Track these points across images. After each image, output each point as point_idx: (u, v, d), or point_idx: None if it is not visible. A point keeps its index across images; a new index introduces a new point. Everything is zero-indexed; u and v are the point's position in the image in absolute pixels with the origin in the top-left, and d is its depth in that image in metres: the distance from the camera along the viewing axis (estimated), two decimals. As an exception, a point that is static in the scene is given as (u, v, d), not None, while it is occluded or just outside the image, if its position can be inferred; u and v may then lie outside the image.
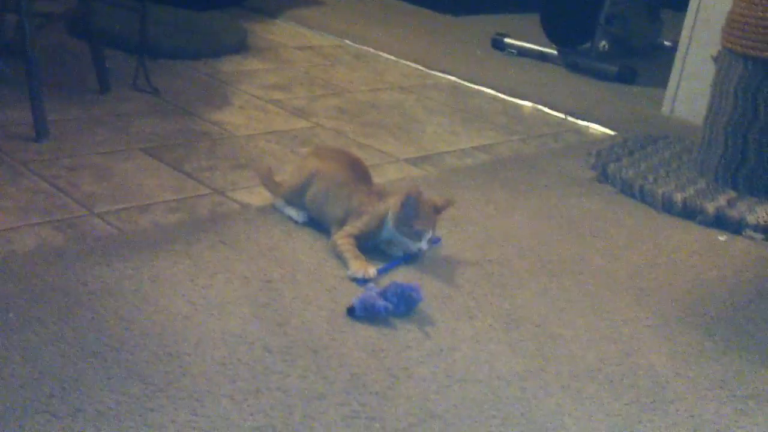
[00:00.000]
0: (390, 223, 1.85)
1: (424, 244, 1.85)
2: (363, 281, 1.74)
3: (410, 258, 1.88)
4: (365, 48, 3.77)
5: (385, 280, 1.75)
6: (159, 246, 1.79)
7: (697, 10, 3.24)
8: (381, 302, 1.62)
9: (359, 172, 1.99)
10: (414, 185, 1.94)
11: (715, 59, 2.62)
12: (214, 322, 1.53)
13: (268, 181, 2.07)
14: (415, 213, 1.82)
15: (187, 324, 1.52)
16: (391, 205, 1.86)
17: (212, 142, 2.46)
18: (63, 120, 2.43)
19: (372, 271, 1.76)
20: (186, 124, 2.56)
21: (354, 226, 1.87)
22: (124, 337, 1.46)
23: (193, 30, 3.41)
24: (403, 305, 1.65)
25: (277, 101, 2.91)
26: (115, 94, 2.71)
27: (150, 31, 2.91)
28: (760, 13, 2.38)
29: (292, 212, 1.99)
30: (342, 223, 1.90)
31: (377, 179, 2.34)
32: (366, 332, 1.58)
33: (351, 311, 1.62)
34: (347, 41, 3.83)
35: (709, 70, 2.66)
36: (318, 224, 1.97)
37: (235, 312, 1.58)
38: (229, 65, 3.22)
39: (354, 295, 1.66)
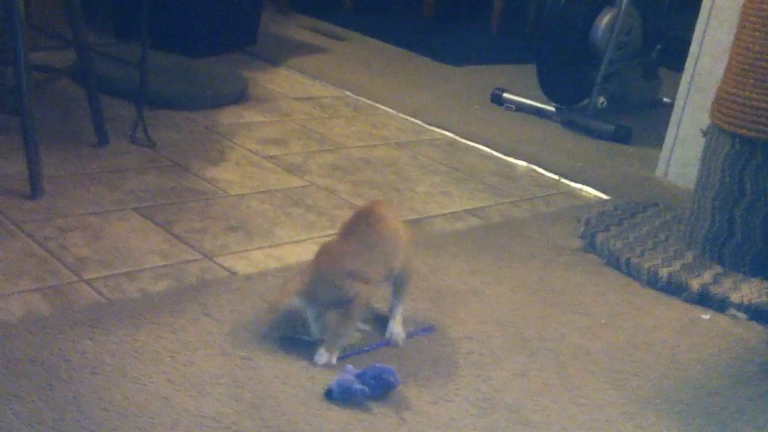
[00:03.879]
0: None
1: None
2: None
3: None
4: (364, 100, 3.81)
5: (364, 362, 1.77)
6: (143, 317, 1.82)
7: (692, 76, 3.28)
8: (358, 385, 1.64)
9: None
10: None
11: (704, 133, 2.66)
12: (191, 402, 1.56)
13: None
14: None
15: (165, 405, 1.54)
16: None
17: (205, 201, 2.49)
18: (58, 176, 2.47)
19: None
20: (180, 181, 2.60)
21: None
22: (102, 419, 1.48)
23: (192, 79, 3.46)
24: (380, 388, 1.67)
25: (273, 157, 2.95)
26: (112, 147, 2.76)
27: (150, 80, 2.96)
28: (748, 93, 2.41)
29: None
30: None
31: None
32: (341, 417, 1.60)
33: (329, 394, 1.64)
34: (347, 92, 3.88)
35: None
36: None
37: (213, 392, 1.60)
38: (227, 117, 3.27)
39: (332, 376, 1.69)
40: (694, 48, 3.23)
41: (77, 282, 1.93)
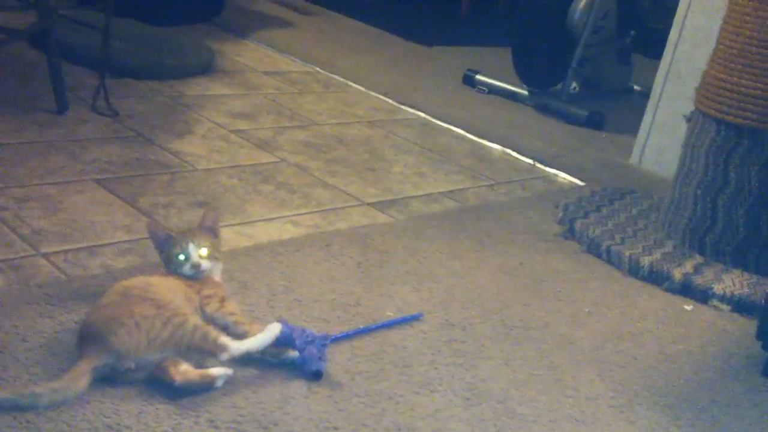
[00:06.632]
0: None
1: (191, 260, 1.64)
2: None
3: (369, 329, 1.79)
4: (335, 76, 3.69)
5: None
6: (107, 295, 1.69)
7: (671, 63, 3.22)
8: (318, 340, 1.60)
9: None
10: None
11: (688, 119, 2.60)
12: (157, 390, 1.44)
13: None
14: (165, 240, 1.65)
15: (129, 391, 1.43)
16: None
17: (171, 175, 2.36)
18: (15, 144, 2.32)
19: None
20: (144, 153, 2.46)
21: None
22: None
23: (157, 48, 3.30)
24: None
25: (242, 131, 2.82)
26: (72, 115, 2.61)
27: (114, 47, 2.80)
28: (736, 79, 2.35)
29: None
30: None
31: (341, 224, 2.27)
32: (320, 406, 1.50)
33: (318, 375, 1.55)
34: (317, 68, 3.76)
35: (680, 124, 2.64)
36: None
37: (183, 378, 1.49)
38: (194, 88, 3.13)
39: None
40: (673, 34, 3.18)
41: (34, 256, 1.80)
